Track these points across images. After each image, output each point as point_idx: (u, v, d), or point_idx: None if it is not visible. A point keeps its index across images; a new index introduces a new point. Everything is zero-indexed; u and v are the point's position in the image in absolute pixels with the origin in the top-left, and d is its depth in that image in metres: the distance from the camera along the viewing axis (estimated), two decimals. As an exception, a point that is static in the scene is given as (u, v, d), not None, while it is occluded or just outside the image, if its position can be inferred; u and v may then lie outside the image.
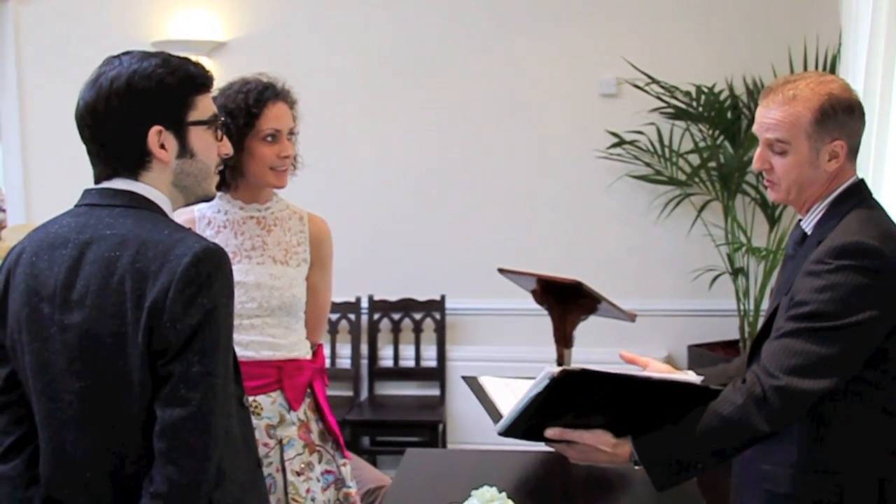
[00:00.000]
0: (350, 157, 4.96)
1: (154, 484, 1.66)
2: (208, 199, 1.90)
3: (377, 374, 5.05)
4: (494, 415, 2.03)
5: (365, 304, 5.02)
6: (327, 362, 4.89)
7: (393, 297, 5.01)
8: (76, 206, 1.78)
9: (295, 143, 2.57)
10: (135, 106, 1.71)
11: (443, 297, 4.98)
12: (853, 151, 1.98)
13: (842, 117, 1.93)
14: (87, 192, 1.78)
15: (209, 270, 1.66)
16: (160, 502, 1.65)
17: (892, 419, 1.91)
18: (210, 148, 1.82)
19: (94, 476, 1.72)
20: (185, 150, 1.77)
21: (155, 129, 1.73)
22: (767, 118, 1.96)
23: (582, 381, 1.81)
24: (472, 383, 2.23)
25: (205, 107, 1.79)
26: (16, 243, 1.83)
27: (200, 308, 1.64)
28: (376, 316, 5.02)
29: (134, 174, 1.74)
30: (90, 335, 1.67)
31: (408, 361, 5.03)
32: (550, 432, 1.92)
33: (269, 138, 2.47)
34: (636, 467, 1.91)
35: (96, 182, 1.78)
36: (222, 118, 1.86)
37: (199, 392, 1.64)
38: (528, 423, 1.90)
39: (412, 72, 4.94)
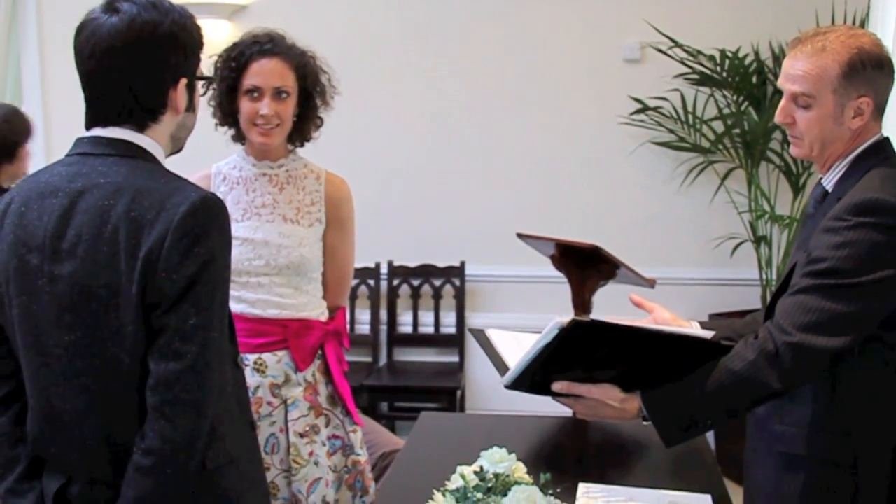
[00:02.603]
0: (369, 123, 4.92)
1: (146, 440, 1.62)
2: (178, 152, 1.86)
3: (396, 339, 5.04)
4: (501, 367, 1.99)
5: (384, 269, 5.01)
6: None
7: (412, 263, 4.99)
8: (67, 154, 1.73)
9: (321, 106, 2.55)
10: (174, 57, 1.69)
11: (462, 264, 4.96)
12: (879, 109, 1.91)
13: (870, 73, 1.85)
14: (79, 140, 1.73)
15: (206, 220, 1.62)
16: (152, 458, 1.61)
17: None
18: (199, 105, 1.83)
19: (84, 433, 1.68)
20: (191, 104, 1.77)
21: (183, 81, 1.72)
22: (794, 70, 1.89)
23: (591, 332, 1.78)
24: (479, 336, 2.19)
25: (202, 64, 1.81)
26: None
27: (197, 259, 1.60)
28: (396, 282, 5.01)
29: (142, 125, 1.71)
30: (81, 286, 1.62)
31: (427, 328, 5.02)
32: (557, 386, 1.88)
33: (250, 94, 2.45)
34: (644, 423, 1.88)
35: (88, 127, 1.73)
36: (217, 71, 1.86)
37: (195, 345, 1.60)
38: (534, 375, 1.87)
39: (432, 36, 4.89)
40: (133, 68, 1.67)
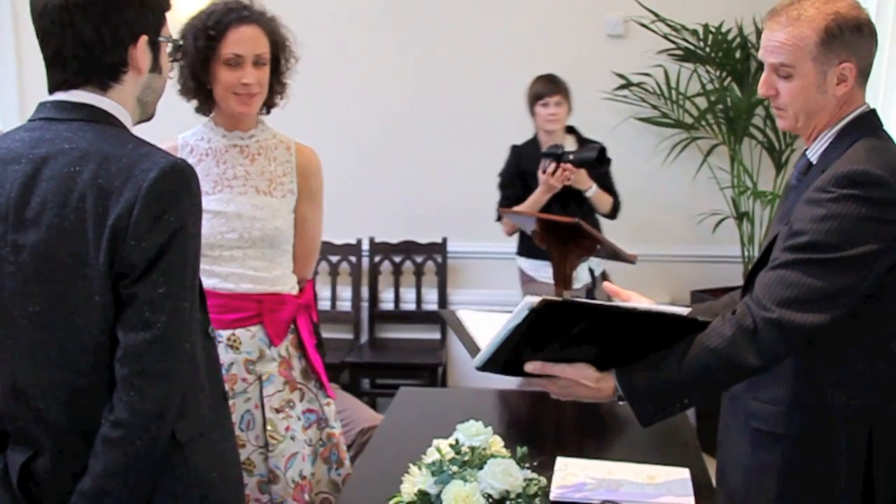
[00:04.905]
0: (351, 97, 4.88)
1: (115, 411, 1.58)
2: (149, 119, 1.80)
3: (378, 316, 5.03)
4: (472, 349, 1.92)
5: (366, 246, 4.98)
6: (327, 304, 4.90)
7: (394, 240, 4.96)
8: (30, 120, 1.67)
9: (287, 72, 2.49)
10: (132, 12, 1.64)
11: (444, 240, 4.94)
12: (863, 75, 1.86)
13: (849, 37, 1.80)
14: (41, 105, 1.68)
15: (176, 187, 1.57)
16: (121, 431, 1.57)
17: (884, 358, 1.82)
18: (167, 67, 1.77)
19: (49, 406, 1.64)
20: (156, 65, 1.72)
21: (143, 38, 1.66)
22: (771, 41, 1.84)
23: (564, 312, 1.73)
24: (450, 317, 2.13)
25: (168, 25, 1.75)
26: None
27: (167, 226, 1.56)
28: (377, 258, 4.99)
29: (103, 85, 1.65)
30: (47, 255, 1.58)
31: (409, 304, 5.01)
32: (530, 366, 1.83)
33: (229, 63, 2.39)
34: (620, 402, 1.84)
35: (51, 91, 1.67)
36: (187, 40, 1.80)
37: (165, 315, 1.56)
38: (507, 356, 1.82)
39: (415, 11, 4.85)
40: (87, 23, 1.61)
